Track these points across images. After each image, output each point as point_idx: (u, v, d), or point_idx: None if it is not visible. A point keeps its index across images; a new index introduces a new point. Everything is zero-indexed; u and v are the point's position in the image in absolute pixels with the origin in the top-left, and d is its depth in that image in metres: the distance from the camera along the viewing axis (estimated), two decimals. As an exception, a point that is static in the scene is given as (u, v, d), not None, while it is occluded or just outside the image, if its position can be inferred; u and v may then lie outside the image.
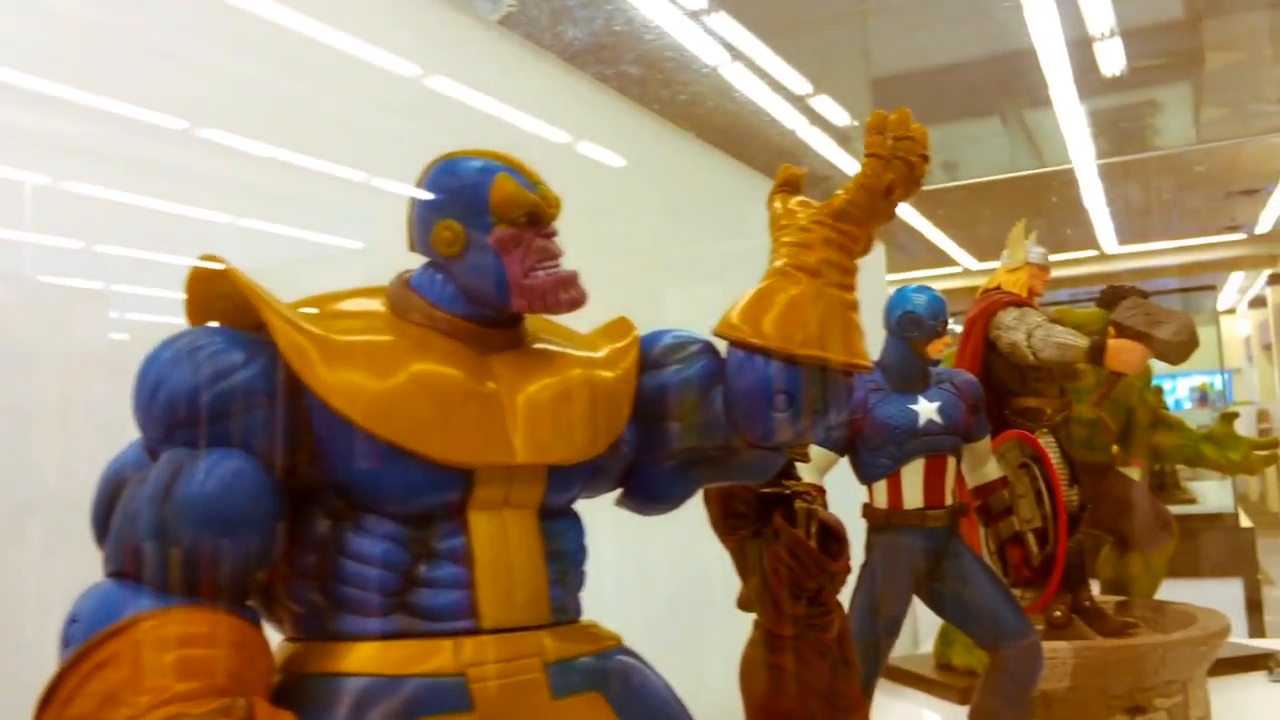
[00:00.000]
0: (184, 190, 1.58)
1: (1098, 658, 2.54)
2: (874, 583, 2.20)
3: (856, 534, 2.24)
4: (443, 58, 2.09)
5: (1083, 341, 2.59)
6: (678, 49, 3.00)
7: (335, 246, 1.68)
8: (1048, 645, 2.59)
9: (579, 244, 1.27)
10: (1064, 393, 2.81)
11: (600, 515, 1.35)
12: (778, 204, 1.40)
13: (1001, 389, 2.80)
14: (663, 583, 2.21)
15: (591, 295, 1.24)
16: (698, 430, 1.31)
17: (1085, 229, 10.04)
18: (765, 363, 1.24)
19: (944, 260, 13.86)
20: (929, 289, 2.27)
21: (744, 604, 1.73)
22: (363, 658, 1.07)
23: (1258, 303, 16.13)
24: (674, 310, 2.87)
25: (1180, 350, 2.57)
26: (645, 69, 2.98)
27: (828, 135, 5.22)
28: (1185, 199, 11.87)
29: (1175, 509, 7.14)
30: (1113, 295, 3.45)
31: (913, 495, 2.19)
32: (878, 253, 4.30)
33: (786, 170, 1.51)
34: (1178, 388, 13.70)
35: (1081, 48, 5.17)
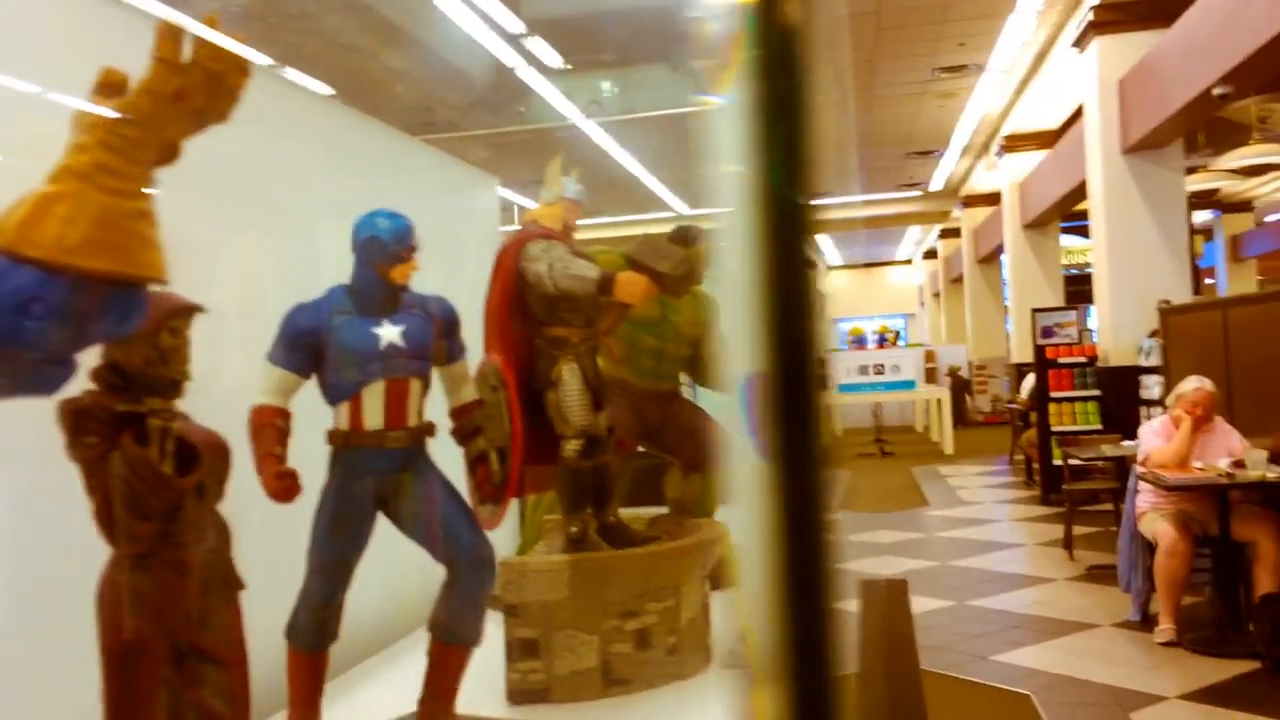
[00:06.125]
0: None
1: (591, 568, 2.72)
2: (334, 502, 2.23)
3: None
4: None
5: (593, 273, 2.72)
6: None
7: None
8: (546, 559, 2.75)
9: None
10: (590, 323, 2.95)
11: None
12: (86, 106, 1.36)
13: (532, 318, 2.91)
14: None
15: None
16: None
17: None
18: (24, 270, 1.21)
19: (659, 205, 14.30)
20: (398, 215, 2.30)
21: (106, 522, 1.70)
22: None
23: (931, 254, 17.87)
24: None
25: (679, 284, 2.75)
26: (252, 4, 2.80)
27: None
28: (872, 158, 12.88)
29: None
30: (677, 234, 3.67)
31: (373, 417, 2.23)
32: (488, 194, 4.31)
33: (105, 72, 1.46)
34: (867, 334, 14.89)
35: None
